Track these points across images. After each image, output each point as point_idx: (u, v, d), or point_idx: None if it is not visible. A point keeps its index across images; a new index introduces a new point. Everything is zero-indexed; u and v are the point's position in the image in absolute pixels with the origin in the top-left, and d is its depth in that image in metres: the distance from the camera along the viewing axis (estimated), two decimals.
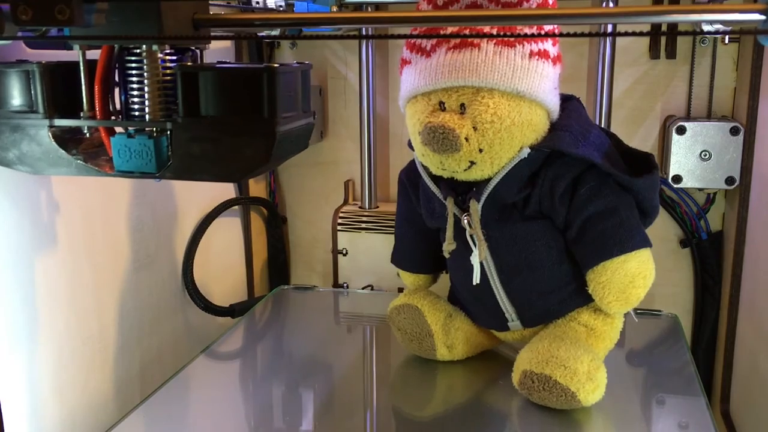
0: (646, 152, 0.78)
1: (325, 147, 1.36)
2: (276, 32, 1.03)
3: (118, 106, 0.64)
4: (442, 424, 0.76)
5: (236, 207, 1.31)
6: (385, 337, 0.96)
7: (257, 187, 1.36)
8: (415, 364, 0.86)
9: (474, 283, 0.78)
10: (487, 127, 0.70)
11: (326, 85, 1.34)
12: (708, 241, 1.22)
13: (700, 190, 1.20)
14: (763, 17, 0.48)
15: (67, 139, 0.66)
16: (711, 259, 1.22)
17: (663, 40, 1.18)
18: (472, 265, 0.77)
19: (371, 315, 1.07)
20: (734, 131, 1.10)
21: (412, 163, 0.82)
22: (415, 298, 0.84)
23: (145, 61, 0.61)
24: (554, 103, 0.74)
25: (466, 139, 0.70)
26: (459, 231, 0.77)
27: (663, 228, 1.24)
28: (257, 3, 1.03)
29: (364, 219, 1.28)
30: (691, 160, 1.13)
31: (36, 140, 0.65)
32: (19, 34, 0.54)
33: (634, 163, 0.76)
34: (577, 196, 0.73)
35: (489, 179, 0.74)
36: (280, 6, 1.03)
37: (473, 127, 0.70)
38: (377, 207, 1.31)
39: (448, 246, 0.77)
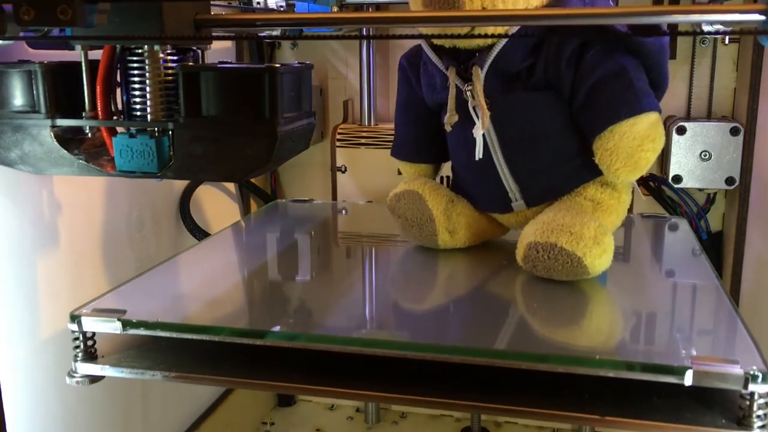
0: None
1: (326, 147, 1.36)
2: (277, 32, 1.03)
3: (119, 106, 0.64)
4: (444, 309, 0.72)
5: (236, 209, 1.31)
6: (383, 246, 0.93)
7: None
8: (415, 254, 0.83)
9: (477, 158, 0.75)
10: None
11: (326, 85, 1.34)
12: (708, 241, 1.22)
13: (700, 190, 1.20)
14: (763, 17, 0.48)
15: (68, 139, 0.66)
16: (711, 259, 1.21)
17: None
18: (474, 140, 0.75)
19: (370, 227, 1.03)
20: (734, 131, 1.10)
21: (412, 48, 0.81)
22: (416, 185, 0.81)
23: (146, 61, 0.61)
24: None
25: None
26: (461, 105, 0.75)
27: None
28: (258, 3, 1.03)
29: (363, 135, 1.25)
30: (691, 160, 1.13)
31: (38, 140, 0.65)
32: (21, 34, 0.54)
33: (643, 32, 0.73)
34: (584, 61, 0.71)
35: (492, 46, 0.72)
36: (281, 6, 1.03)
37: None
38: (377, 125, 1.29)
39: (450, 118, 0.75)
